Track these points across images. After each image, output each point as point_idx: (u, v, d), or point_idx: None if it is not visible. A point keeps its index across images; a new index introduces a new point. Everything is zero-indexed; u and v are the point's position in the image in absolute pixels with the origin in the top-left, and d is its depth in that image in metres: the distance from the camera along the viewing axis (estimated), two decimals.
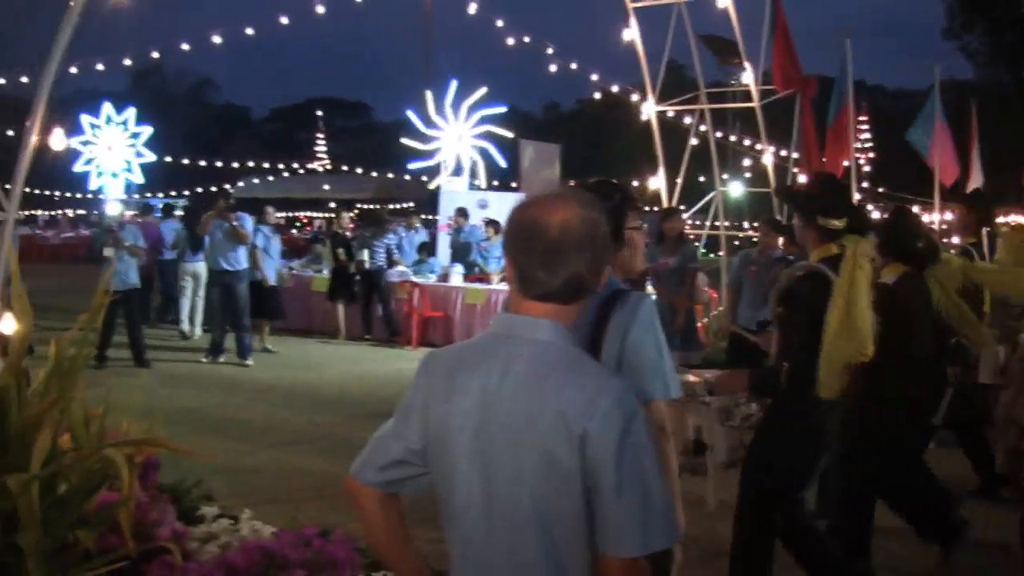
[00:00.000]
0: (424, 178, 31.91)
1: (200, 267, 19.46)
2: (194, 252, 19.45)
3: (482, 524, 2.78)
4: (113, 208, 17.73)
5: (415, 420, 2.91)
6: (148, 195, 42.11)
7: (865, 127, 50.12)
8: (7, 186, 6.46)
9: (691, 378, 7.11)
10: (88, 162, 35.88)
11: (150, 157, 37.38)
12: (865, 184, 29.12)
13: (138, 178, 36.87)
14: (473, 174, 28.37)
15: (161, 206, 25.38)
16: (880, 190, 42.45)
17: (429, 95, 29.07)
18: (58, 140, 7.17)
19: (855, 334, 5.91)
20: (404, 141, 30.21)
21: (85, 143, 35.16)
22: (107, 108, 36.33)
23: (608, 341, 3.86)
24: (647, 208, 14.78)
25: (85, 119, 35.12)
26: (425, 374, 2.94)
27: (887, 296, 6.89)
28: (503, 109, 29.68)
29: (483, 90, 28.57)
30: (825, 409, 6.03)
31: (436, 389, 2.87)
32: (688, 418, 6.89)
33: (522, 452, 2.69)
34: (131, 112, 36.89)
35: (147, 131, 36.95)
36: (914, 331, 7.23)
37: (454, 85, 28.79)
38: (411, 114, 29.46)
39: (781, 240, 12.18)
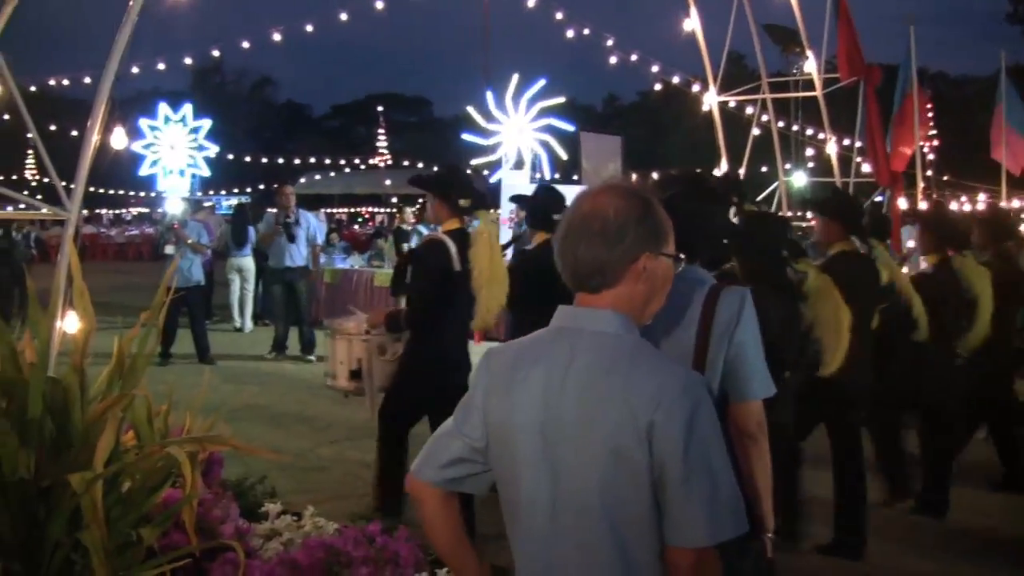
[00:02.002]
0: (485, 172, 31.97)
1: (245, 261, 19.66)
2: (239, 247, 19.62)
3: (548, 520, 2.76)
4: (175, 206, 17.87)
5: (476, 417, 2.90)
6: (211, 193, 42.45)
7: (929, 115, 49.62)
8: (71, 185, 6.49)
9: (360, 319, 8.46)
10: (153, 164, 36.25)
11: (213, 149, 37.68)
12: (929, 172, 28.77)
13: (205, 172, 37.20)
14: (535, 167, 28.38)
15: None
16: (944, 178, 42.00)
17: (489, 96, 29.14)
18: (119, 139, 7.20)
19: (501, 281, 7.58)
20: (469, 109, 30.28)
21: (147, 146, 35.51)
22: (163, 108, 36.67)
23: (715, 339, 3.84)
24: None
25: (144, 123, 35.46)
26: (486, 370, 2.93)
27: (527, 260, 8.82)
28: (570, 128, 29.68)
29: (516, 77, 28.60)
30: (446, 345, 7.82)
31: (497, 385, 2.86)
32: (354, 350, 8.16)
33: (588, 446, 2.67)
34: (188, 108, 37.21)
35: (206, 124, 37.24)
36: (548, 289, 7.68)
37: (515, 79, 28.82)
38: (471, 110, 29.55)
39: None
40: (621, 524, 2.67)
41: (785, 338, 6.12)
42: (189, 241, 16.10)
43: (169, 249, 16.12)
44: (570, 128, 30.21)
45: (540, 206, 8.86)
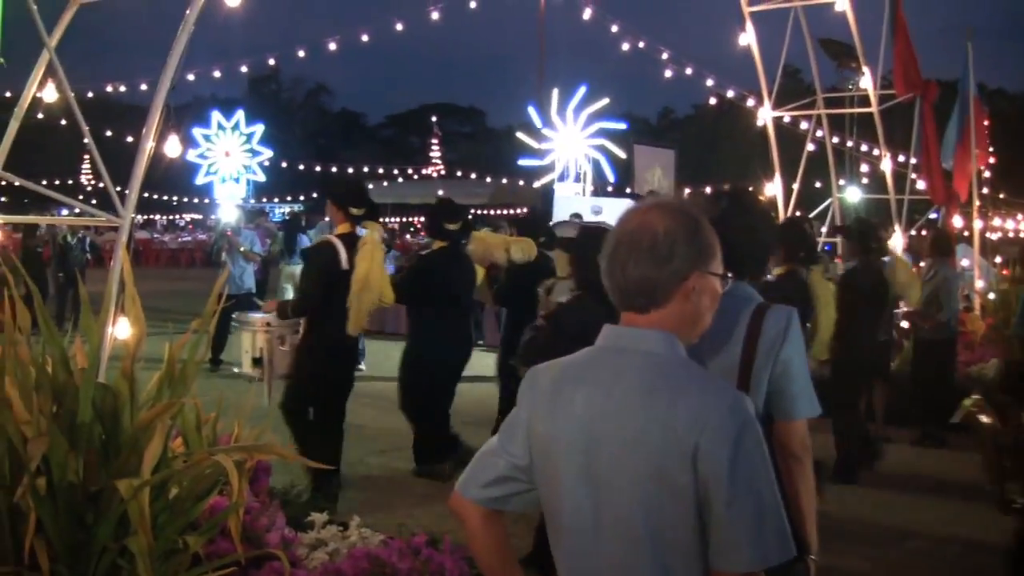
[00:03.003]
0: (538, 184, 32.07)
1: (298, 269, 19.68)
2: (291, 255, 19.67)
3: (591, 540, 2.73)
4: (230, 214, 17.98)
5: (520, 436, 2.87)
6: (264, 200, 42.79)
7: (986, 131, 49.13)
8: (124, 191, 6.53)
9: (262, 313, 9.58)
10: (209, 172, 36.54)
11: (267, 153, 37.92)
12: (985, 190, 28.49)
13: (261, 177, 37.45)
14: (597, 176, 28.46)
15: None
16: (1000, 195, 41.59)
17: (532, 111, 29.27)
18: (173, 147, 7.26)
19: (374, 287, 8.58)
20: (519, 135, 30.40)
21: (202, 155, 35.78)
22: (216, 116, 36.94)
23: (760, 358, 3.81)
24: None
25: (198, 132, 35.75)
26: (530, 389, 2.91)
27: (423, 262, 10.42)
28: (622, 126, 29.80)
29: (604, 101, 28.67)
30: (336, 335, 8.61)
31: (541, 404, 2.83)
32: (256, 340, 9.11)
33: (632, 467, 2.63)
34: (240, 114, 37.48)
35: (259, 129, 37.50)
36: (440, 290, 9.91)
37: (581, 92, 28.93)
38: (531, 110, 29.69)
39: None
40: (664, 546, 2.64)
41: None
42: (241, 249, 16.19)
43: (224, 256, 16.24)
44: (622, 126, 30.25)
45: (435, 218, 10.40)
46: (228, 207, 19.52)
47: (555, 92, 30.22)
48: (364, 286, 8.53)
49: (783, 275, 9.00)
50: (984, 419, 8.82)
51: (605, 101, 29.53)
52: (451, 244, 10.13)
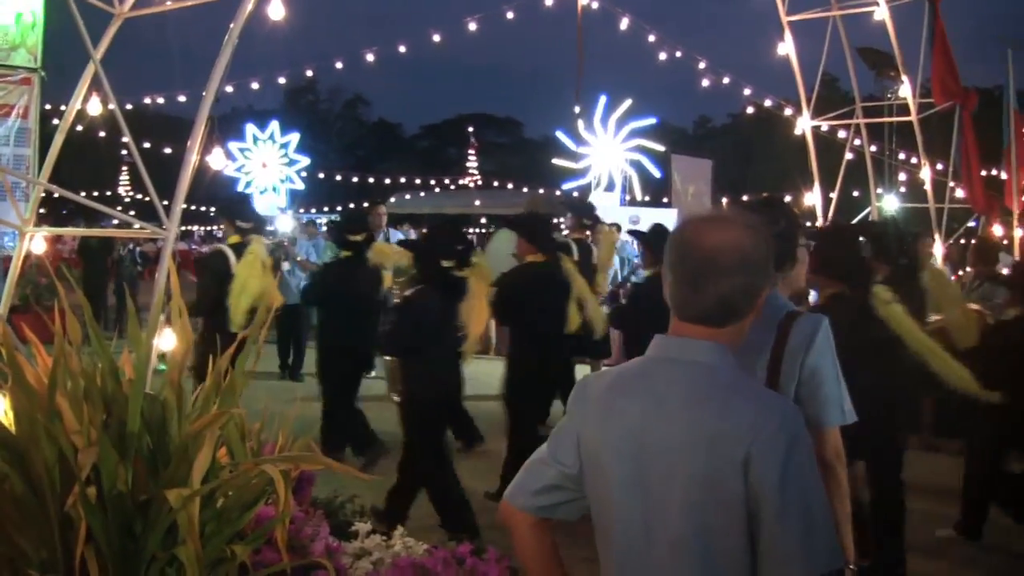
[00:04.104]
0: (576, 194, 32.07)
1: None
2: None
3: (641, 550, 2.74)
4: (286, 224, 18.16)
5: (570, 445, 2.89)
6: (301, 211, 42.96)
7: None
8: (165, 203, 6.58)
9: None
10: (248, 185, 36.70)
11: (304, 161, 38.06)
12: None
13: (299, 185, 37.59)
14: (626, 189, 28.43)
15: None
16: None
17: (577, 111, 29.29)
18: (218, 160, 7.33)
19: (251, 291, 9.86)
20: (556, 162, 30.42)
21: (239, 168, 35.95)
22: (251, 129, 37.09)
23: (786, 366, 3.83)
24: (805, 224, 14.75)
25: (234, 146, 35.94)
26: (580, 399, 2.93)
27: (332, 270, 11.75)
28: (652, 121, 29.82)
29: (627, 102, 28.67)
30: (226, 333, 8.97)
31: (591, 414, 2.85)
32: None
33: (683, 477, 2.65)
34: (275, 125, 37.63)
35: (295, 138, 37.64)
36: (345, 292, 11.09)
37: (603, 101, 28.96)
38: (561, 135, 29.73)
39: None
40: (714, 555, 2.65)
41: (445, 327, 8.26)
42: (299, 259, 16.34)
43: (285, 266, 16.38)
44: (652, 121, 30.31)
45: (340, 230, 11.73)
46: (283, 218, 19.70)
47: (577, 109, 30.31)
48: (242, 290, 9.94)
49: (651, 276, 10.27)
50: None
51: (628, 103, 29.57)
52: (355, 253, 11.36)
